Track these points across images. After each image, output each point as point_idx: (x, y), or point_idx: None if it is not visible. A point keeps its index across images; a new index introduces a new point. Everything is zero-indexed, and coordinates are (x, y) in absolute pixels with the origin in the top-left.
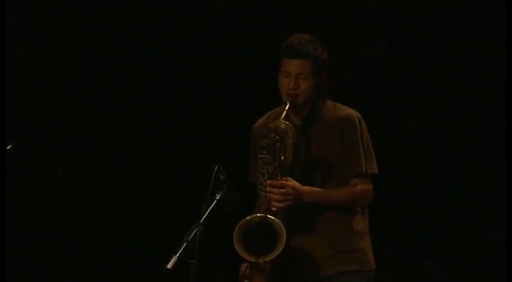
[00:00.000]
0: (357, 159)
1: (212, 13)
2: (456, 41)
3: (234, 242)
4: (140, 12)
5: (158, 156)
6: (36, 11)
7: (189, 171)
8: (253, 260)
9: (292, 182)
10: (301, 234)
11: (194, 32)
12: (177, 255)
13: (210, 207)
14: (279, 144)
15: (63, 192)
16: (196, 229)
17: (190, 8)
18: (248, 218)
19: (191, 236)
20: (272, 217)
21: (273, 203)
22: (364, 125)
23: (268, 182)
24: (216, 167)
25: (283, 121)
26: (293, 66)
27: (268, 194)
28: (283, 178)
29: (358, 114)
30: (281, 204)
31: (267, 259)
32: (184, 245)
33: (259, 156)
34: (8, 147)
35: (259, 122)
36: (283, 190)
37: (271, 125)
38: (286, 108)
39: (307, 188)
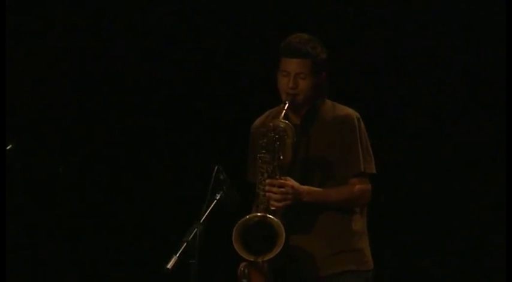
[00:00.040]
0: (356, 159)
1: (212, 13)
2: (456, 41)
3: (233, 241)
4: (140, 12)
5: (158, 156)
6: (36, 11)
7: (189, 171)
8: (252, 259)
9: (291, 182)
10: (300, 234)
11: (194, 32)
12: (177, 255)
13: (210, 207)
14: (278, 143)
15: (63, 192)
16: (196, 229)
17: (190, 8)
18: (247, 217)
19: (191, 236)
20: (271, 216)
21: (272, 202)
22: (362, 125)
23: (267, 181)
24: (216, 167)
25: (282, 120)
26: (292, 65)
27: (267, 193)
28: (282, 177)
29: (357, 114)
30: (280, 204)
31: (266, 258)
32: (184, 245)
33: (258, 155)
34: (8, 147)
35: (258, 121)
36: (282, 189)
37: (271, 124)
38: (286, 107)
39: (306, 187)
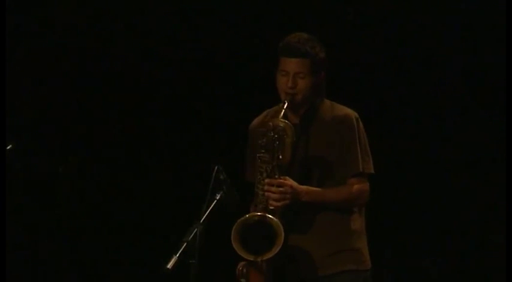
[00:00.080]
0: (354, 159)
1: (212, 13)
2: (456, 41)
3: (232, 240)
4: (140, 12)
5: (158, 156)
6: (36, 11)
7: (189, 171)
8: (251, 259)
9: (290, 181)
10: (298, 233)
11: (194, 32)
12: (177, 255)
13: (210, 207)
14: (277, 142)
15: (63, 192)
16: (196, 229)
17: (190, 8)
18: (246, 216)
19: (191, 236)
20: (270, 216)
21: (271, 201)
22: (361, 125)
23: (266, 180)
24: (216, 167)
25: (282, 120)
26: (291, 65)
27: (266, 193)
28: (282, 177)
29: (356, 114)
30: (279, 203)
31: (265, 258)
32: (184, 245)
33: (257, 155)
34: (8, 147)
35: (256, 121)
36: (281, 189)
37: (270, 124)
38: (285, 107)
39: (304, 187)
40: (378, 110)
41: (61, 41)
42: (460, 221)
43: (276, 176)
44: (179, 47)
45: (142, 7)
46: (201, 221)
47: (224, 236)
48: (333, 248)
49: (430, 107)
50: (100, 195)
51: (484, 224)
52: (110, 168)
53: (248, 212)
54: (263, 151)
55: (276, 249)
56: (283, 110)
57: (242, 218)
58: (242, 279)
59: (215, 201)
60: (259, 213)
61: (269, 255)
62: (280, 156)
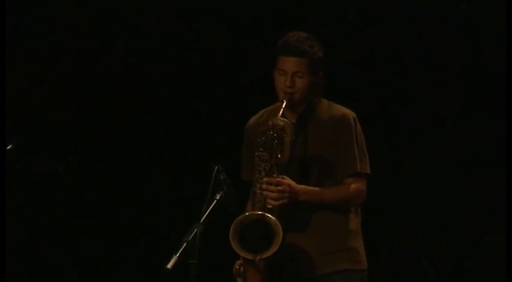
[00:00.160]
0: (352, 159)
1: (212, 13)
2: (456, 41)
3: (230, 239)
4: (140, 12)
5: (158, 156)
6: (36, 11)
7: (189, 171)
8: (249, 258)
9: (288, 180)
10: (296, 233)
11: (194, 32)
12: (177, 255)
13: (210, 207)
14: (276, 141)
15: (63, 192)
16: (196, 229)
17: (190, 8)
18: (245, 215)
19: (191, 236)
20: (268, 215)
21: (269, 200)
22: (358, 125)
23: (265, 179)
24: (216, 167)
25: (281, 118)
26: (289, 64)
27: (264, 192)
28: (280, 176)
29: (353, 114)
30: (277, 202)
31: (263, 257)
32: (184, 245)
33: (256, 153)
34: (8, 147)
35: (253, 120)
36: (279, 188)
37: (270, 122)
38: (284, 106)
39: (302, 186)
40: (377, 110)
41: (61, 41)
42: (458, 220)
43: (275, 175)
44: (179, 47)
45: (142, 7)
46: (201, 221)
47: (224, 236)
48: (329, 248)
49: (430, 107)
50: (100, 195)
51: (483, 224)
52: (110, 168)
53: (245, 211)
54: (262, 150)
55: (274, 248)
56: (282, 109)
57: (240, 217)
58: (239, 278)
59: (215, 201)
60: (257, 212)
61: (267, 254)
62: (279, 155)
